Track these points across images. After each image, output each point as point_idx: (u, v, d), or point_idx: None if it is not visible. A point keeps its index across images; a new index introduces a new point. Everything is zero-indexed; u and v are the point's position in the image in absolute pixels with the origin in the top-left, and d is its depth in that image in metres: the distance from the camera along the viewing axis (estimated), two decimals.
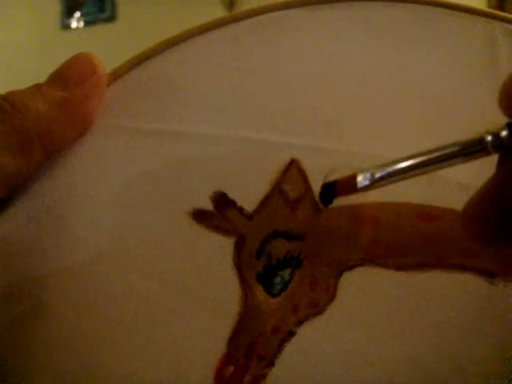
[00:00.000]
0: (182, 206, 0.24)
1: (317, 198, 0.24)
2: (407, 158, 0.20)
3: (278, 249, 0.24)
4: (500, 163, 0.19)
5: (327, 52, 0.26)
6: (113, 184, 0.24)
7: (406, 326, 0.23)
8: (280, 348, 0.23)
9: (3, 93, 0.22)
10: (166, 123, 0.25)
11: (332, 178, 0.23)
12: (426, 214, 0.24)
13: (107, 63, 0.24)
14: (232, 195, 0.24)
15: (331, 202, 0.23)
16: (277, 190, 0.24)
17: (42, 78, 0.23)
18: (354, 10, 0.26)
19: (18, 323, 0.22)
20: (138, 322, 0.23)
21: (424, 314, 0.23)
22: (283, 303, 0.23)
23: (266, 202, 0.24)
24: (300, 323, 0.23)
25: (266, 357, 0.23)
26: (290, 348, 0.23)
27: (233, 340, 0.23)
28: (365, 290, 0.23)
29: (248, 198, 0.24)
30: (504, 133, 0.18)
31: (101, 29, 1.59)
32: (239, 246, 0.24)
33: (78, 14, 1.61)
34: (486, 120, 0.19)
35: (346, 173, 0.22)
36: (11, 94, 0.22)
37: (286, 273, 0.23)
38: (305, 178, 0.24)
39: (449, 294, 0.23)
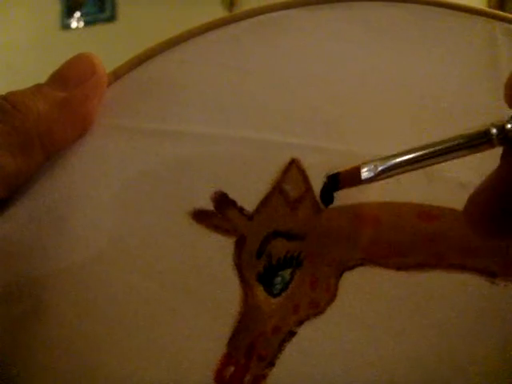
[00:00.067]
0: (182, 206, 0.24)
1: (317, 197, 0.24)
2: (412, 150, 0.20)
3: (278, 249, 0.24)
4: (504, 156, 0.19)
5: (327, 52, 0.26)
6: (113, 184, 0.24)
7: (407, 325, 0.23)
8: (280, 348, 0.23)
9: (3, 93, 0.22)
10: (166, 123, 0.25)
11: None
12: (426, 213, 0.24)
13: (107, 63, 0.24)
14: (232, 195, 0.24)
15: (332, 201, 0.23)
16: (277, 189, 0.24)
17: (42, 78, 0.23)
18: (353, 10, 0.26)
19: (18, 323, 0.22)
20: (138, 321, 0.23)
21: (424, 313, 0.23)
22: (284, 303, 0.23)
23: (266, 201, 0.24)
24: (300, 323, 0.23)
25: (266, 357, 0.23)
26: (290, 348, 0.23)
27: (233, 340, 0.23)
28: (365, 290, 0.23)
29: (248, 197, 0.24)
30: (509, 125, 0.18)
31: (101, 29, 1.59)
32: (239, 246, 0.24)
33: (78, 14, 1.61)
34: (486, 119, 0.19)
35: None
36: (12, 94, 0.22)
37: (287, 273, 0.23)
38: (305, 178, 0.24)
39: (449, 294, 0.23)
